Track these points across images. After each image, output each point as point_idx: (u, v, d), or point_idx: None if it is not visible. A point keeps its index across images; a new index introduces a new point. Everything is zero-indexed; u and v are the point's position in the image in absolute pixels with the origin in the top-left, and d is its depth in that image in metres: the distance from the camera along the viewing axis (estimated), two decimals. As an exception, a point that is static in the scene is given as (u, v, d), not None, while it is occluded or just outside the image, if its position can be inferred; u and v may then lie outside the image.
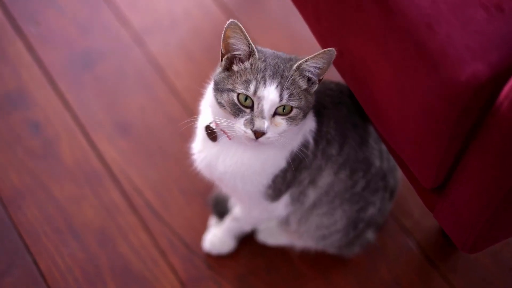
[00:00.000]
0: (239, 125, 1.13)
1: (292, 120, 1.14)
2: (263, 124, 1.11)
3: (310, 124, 1.22)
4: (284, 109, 1.13)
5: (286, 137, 1.16)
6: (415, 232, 1.54)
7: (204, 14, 1.82)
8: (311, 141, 1.22)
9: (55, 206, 1.56)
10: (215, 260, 1.50)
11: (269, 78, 1.11)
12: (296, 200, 1.30)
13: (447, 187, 1.13)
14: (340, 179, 1.27)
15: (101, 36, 1.78)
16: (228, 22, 1.11)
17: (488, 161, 1.02)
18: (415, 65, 1.03)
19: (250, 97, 1.12)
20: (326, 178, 1.27)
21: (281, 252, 1.51)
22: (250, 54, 1.13)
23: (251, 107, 1.12)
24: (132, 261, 1.50)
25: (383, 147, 1.31)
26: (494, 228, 1.13)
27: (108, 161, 1.61)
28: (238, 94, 1.12)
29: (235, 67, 1.14)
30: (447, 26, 0.99)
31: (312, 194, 1.29)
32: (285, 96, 1.12)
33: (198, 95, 1.28)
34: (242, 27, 1.11)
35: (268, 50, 1.17)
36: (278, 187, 1.25)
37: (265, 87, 1.11)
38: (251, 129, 1.12)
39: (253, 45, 1.13)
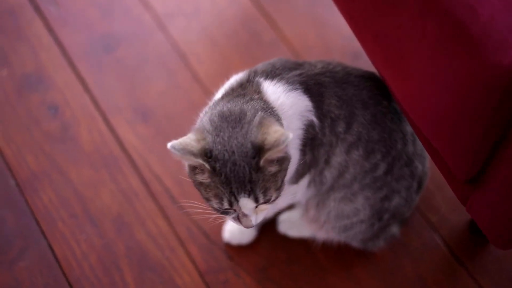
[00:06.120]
0: (229, 218, 1.13)
1: (277, 197, 1.11)
2: (249, 222, 1.11)
3: (302, 104, 1.17)
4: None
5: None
6: (442, 228, 1.48)
7: (228, 0, 1.78)
8: (314, 119, 1.18)
9: (72, 190, 1.52)
10: (235, 251, 1.46)
11: (237, 190, 1.07)
12: (315, 182, 1.26)
13: (482, 178, 1.08)
14: (354, 160, 1.22)
15: (122, 19, 1.74)
16: (169, 147, 1.06)
17: (528, 151, 0.98)
18: (454, 48, 0.98)
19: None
20: (337, 157, 1.22)
21: (303, 245, 1.46)
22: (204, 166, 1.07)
23: (233, 208, 1.10)
24: (149, 249, 1.46)
25: (407, 128, 1.25)
26: (530, 223, 1.09)
27: (127, 146, 1.57)
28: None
29: (198, 177, 1.09)
30: (491, 8, 0.94)
31: (328, 175, 1.25)
32: (261, 196, 1.08)
33: (220, 82, 1.24)
34: (183, 147, 1.06)
35: (221, 141, 1.07)
36: (299, 172, 1.22)
37: (238, 199, 1.08)
38: (241, 225, 1.12)
39: (200, 160, 1.06)
